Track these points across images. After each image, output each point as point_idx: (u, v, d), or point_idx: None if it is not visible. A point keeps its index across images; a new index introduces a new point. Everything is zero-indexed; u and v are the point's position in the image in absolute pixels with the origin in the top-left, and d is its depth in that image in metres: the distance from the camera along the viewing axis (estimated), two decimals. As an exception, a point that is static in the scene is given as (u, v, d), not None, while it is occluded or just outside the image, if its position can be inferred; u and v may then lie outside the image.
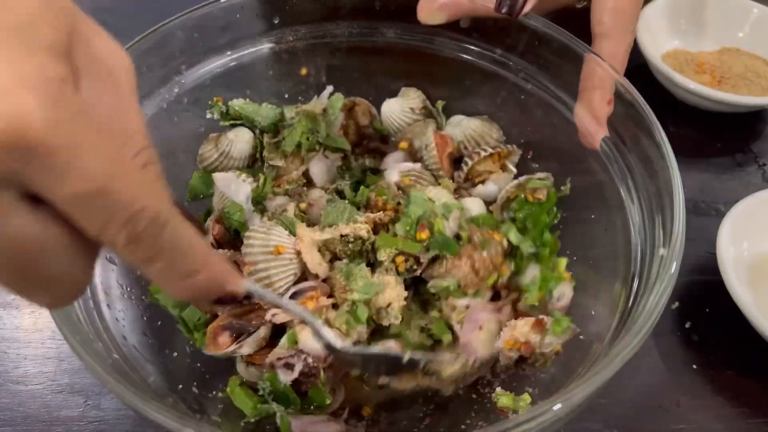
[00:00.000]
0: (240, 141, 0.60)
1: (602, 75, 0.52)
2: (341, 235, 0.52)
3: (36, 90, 0.24)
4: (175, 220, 0.29)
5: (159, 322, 0.53)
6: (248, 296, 0.36)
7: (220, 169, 0.60)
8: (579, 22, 0.58)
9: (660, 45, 0.82)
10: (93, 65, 0.28)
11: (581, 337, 0.50)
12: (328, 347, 0.45)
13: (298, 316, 0.46)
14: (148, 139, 0.30)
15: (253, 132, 0.62)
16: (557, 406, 0.37)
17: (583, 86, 0.54)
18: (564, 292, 0.53)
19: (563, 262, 0.55)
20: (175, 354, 0.52)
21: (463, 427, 0.49)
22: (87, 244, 0.28)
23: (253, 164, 0.62)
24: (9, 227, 0.26)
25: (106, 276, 0.50)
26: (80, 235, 0.27)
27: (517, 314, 0.53)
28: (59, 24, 0.27)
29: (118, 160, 0.27)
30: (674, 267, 0.43)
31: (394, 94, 0.65)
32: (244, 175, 0.58)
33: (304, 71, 0.64)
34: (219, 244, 0.56)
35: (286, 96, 0.64)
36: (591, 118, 0.53)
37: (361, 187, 0.58)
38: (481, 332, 0.51)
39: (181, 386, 0.49)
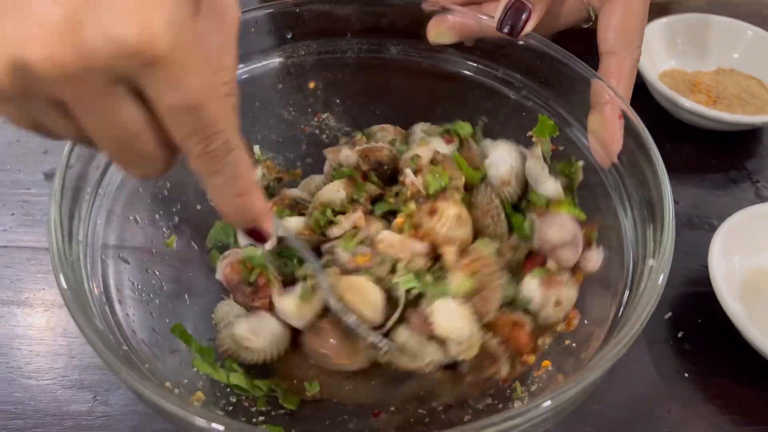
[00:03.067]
0: None
1: (611, 92, 0.53)
2: None
3: (168, 12, 0.30)
4: (240, 148, 0.36)
5: (167, 320, 0.54)
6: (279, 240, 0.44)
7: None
8: (579, 44, 0.59)
9: (657, 65, 0.84)
10: (212, 4, 0.35)
11: (573, 345, 0.51)
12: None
13: (317, 272, 0.52)
14: (235, 76, 0.37)
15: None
16: (547, 403, 0.38)
17: (594, 102, 0.54)
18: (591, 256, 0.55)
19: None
20: (183, 353, 0.53)
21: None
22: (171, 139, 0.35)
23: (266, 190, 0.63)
24: (121, 112, 0.33)
25: (118, 274, 0.51)
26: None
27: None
28: None
29: (212, 85, 0.34)
30: (661, 279, 0.44)
31: (396, 107, 0.66)
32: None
33: (312, 84, 0.65)
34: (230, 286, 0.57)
35: (293, 109, 0.66)
36: (604, 133, 0.53)
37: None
38: None
39: (186, 380, 0.50)
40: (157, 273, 0.56)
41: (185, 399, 0.47)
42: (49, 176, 0.75)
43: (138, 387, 0.39)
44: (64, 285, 0.43)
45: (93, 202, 0.51)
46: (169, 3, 0.31)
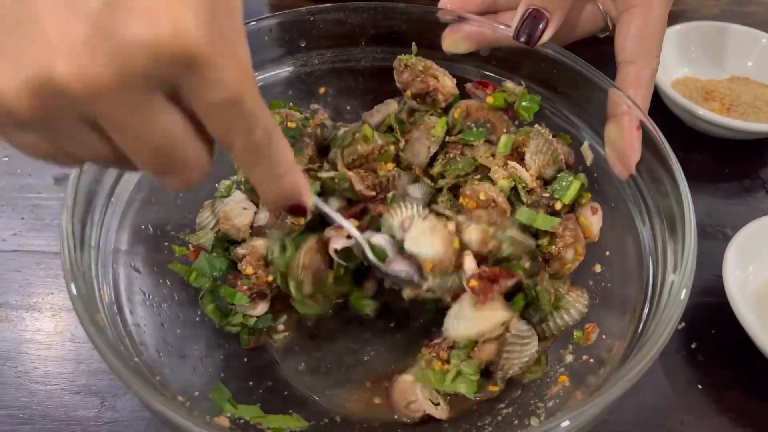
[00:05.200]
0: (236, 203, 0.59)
1: (629, 103, 0.53)
2: None
3: (195, 10, 0.29)
4: (278, 130, 0.36)
5: (178, 330, 0.54)
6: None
7: (222, 229, 0.59)
8: (591, 50, 0.59)
9: (670, 72, 0.83)
10: None
11: (591, 360, 0.51)
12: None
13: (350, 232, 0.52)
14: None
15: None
16: (565, 423, 0.38)
17: (612, 113, 0.54)
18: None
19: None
20: (193, 362, 0.53)
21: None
22: (208, 138, 0.34)
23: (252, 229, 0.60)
24: (161, 120, 0.31)
25: (129, 283, 0.51)
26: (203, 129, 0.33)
27: None
28: None
29: (247, 77, 0.33)
30: (684, 294, 0.43)
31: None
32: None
33: (322, 90, 0.65)
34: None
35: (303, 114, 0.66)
36: (622, 144, 0.53)
37: None
38: None
39: (197, 393, 0.50)
40: (168, 282, 0.56)
41: (200, 415, 0.47)
42: (59, 180, 0.74)
43: (152, 402, 0.38)
44: (75, 292, 0.43)
45: (106, 209, 0.51)
46: (194, 1, 0.29)
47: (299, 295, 0.54)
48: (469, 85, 0.62)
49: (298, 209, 0.41)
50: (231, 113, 0.32)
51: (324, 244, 0.55)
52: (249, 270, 0.56)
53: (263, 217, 0.58)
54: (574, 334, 0.54)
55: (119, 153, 0.33)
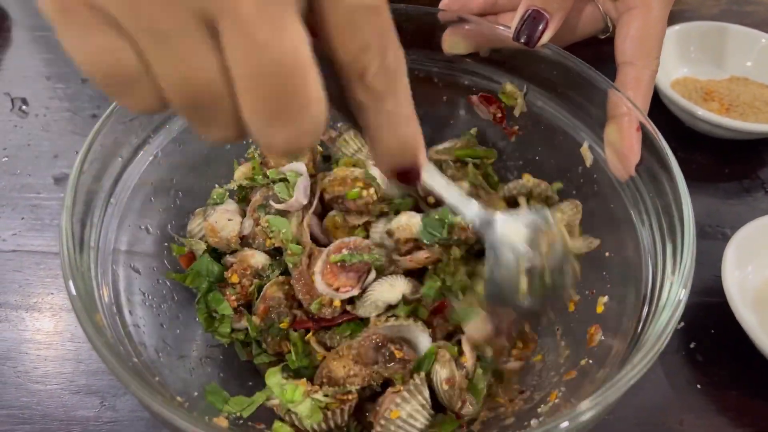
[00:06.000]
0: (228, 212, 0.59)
1: (628, 104, 0.52)
2: None
3: None
4: (404, 62, 0.31)
5: (177, 331, 0.54)
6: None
7: (211, 243, 0.58)
8: (589, 51, 0.59)
9: (669, 72, 0.84)
10: None
11: (590, 361, 0.51)
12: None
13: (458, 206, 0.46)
14: None
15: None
16: (564, 424, 0.38)
17: (611, 114, 0.54)
18: None
19: None
20: (192, 362, 0.53)
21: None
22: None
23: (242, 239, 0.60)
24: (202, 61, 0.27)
25: (129, 283, 0.51)
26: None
27: None
28: None
29: None
30: (683, 294, 0.43)
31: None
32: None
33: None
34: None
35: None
36: (621, 145, 0.52)
37: None
38: None
39: (196, 393, 0.50)
40: (168, 283, 0.56)
41: (199, 416, 0.47)
42: (59, 180, 0.75)
43: (150, 403, 0.38)
44: (74, 292, 0.42)
45: (106, 210, 0.51)
46: None
47: (254, 331, 0.54)
48: (474, 98, 0.62)
49: (410, 174, 0.34)
50: (371, 22, 0.28)
51: (290, 286, 0.54)
52: (234, 278, 0.55)
53: (248, 225, 0.57)
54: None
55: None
